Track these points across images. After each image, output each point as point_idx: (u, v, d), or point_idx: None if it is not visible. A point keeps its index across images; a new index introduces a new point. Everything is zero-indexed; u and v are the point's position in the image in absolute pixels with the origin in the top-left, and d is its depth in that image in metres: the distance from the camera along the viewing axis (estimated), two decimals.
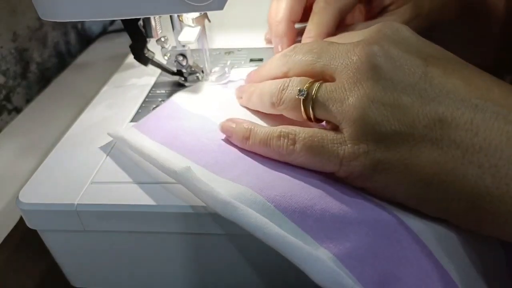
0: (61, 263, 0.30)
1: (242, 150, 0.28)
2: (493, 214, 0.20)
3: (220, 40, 0.45)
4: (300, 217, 0.22)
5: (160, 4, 0.26)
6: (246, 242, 0.26)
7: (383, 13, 0.37)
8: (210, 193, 0.23)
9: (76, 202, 0.26)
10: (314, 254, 0.21)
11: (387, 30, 0.24)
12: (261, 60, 0.40)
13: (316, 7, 0.35)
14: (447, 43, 0.25)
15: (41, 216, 0.27)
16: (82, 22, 0.70)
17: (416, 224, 0.22)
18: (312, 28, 0.35)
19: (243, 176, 0.25)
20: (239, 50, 0.43)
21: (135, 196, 0.26)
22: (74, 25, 0.68)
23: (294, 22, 0.38)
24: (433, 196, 0.21)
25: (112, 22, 0.75)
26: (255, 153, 0.27)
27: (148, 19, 0.32)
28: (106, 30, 0.74)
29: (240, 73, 0.37)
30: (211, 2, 0.24)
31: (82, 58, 0.66)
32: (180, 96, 0.34)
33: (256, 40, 0.44)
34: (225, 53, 0.42)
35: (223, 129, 0.28)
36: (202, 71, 0.37)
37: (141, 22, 0.33)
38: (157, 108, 0.33)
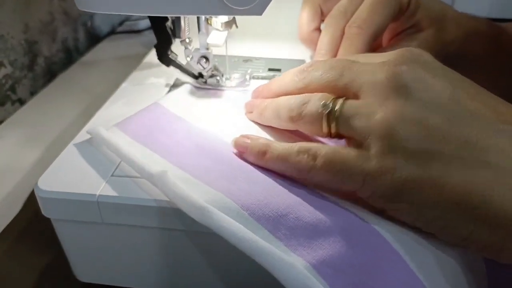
0: (71, 255, 0.30)
1: (219, 154, 0.27)
2: None
3: (239, 47, 0.46)
4: (273, 225, 0.22)
5: (200, 4, 0.26)
6: None
7: (404, 36, 0.37)
8: (186, 198, 0.23)
9: (97, 193, 0.26)
10: (287, 260, 0.20)
11: (409, 54, 0.24)
12: (279, 70, 0.41)
13: (348, 33, 0.35)
14: (468, 73, 0.25)
15: (59, 205, 0.26)
16: (92, 21, 0.70)
17: (391, 233, 0.22)
18: (342, 54, 0.34)
19: (219, 180, 0.25)
20: (257, 59, 0.43)
21: (158, 191, 0.25)
22: (83, 22, 0.68)
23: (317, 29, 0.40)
24: (459, 219, 0.21)
25: (121, 23, 0.75)
26: (233, 158, 0.27)
27: (178, 19, 0.33)
28: (115, 30, 0.74)
29: (259, 82, 0.38)
30: (252, 6, 0.25)
31: (89, 56, 0.66)
32: (166, 99, 0.35)
33: (274, 50, 0.45)
34: (243, 60, 0.43)
35: (236, 145, 0.27)
36: (222, 75, 0.37)
37: (169, 23, 0.34)
38: (142, 109, 0.33)
